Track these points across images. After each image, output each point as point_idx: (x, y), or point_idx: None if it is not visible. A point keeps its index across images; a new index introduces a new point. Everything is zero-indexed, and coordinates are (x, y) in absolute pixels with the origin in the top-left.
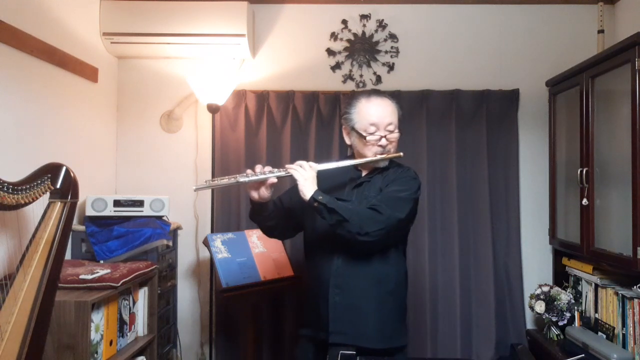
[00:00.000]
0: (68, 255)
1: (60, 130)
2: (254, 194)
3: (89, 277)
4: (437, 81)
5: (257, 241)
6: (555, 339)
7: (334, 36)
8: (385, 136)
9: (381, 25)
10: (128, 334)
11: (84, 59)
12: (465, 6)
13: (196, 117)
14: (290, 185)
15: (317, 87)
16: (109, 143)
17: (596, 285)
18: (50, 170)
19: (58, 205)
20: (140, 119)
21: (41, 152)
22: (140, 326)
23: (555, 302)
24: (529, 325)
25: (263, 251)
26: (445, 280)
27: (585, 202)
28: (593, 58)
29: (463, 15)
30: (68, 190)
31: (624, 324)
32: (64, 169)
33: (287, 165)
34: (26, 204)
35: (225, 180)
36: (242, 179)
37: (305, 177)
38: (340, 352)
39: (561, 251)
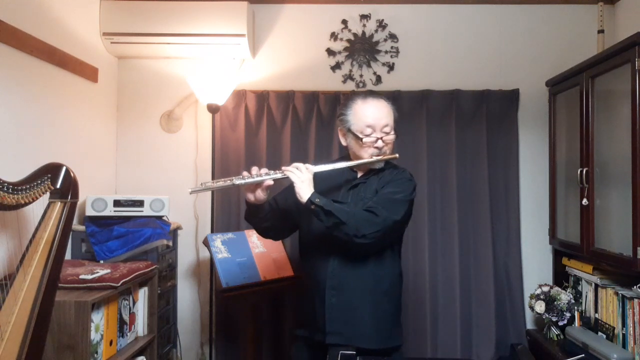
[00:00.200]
0: (68, 255)
1: (60, 130)
2: (250, 196)
3: (89, 277)
4: (437, 81)
5: (257, 241)
6: (555, 339)
7: (334, 36)
8: (381, 138)
9: (381, 25)
10: (128, 334)
11: (84, 59)
12: (465, 6)
13: (196, 117)
14: (285, 185)
15: (317, 87)
16: (109, 143)
17: (596, 285)
18: (50, 170)
19: (58, 205)
20: (140, 119)
21: (41, 152)
22: (140, 326)
23: (555, 302)
24: (529, 325)
25: (263, 251)
26: (445, 280)
27: (585, 202)
28: (593, 58)
29: (463, 15)
30: (68, 190)
31: (624, 324)
32: (64, 169)
33: (283, 167)
34: (26, 204)
35: (220, 183)
36: (238, 182)
37: (302, 179)
38: (340, 352)
39: (561, 251)
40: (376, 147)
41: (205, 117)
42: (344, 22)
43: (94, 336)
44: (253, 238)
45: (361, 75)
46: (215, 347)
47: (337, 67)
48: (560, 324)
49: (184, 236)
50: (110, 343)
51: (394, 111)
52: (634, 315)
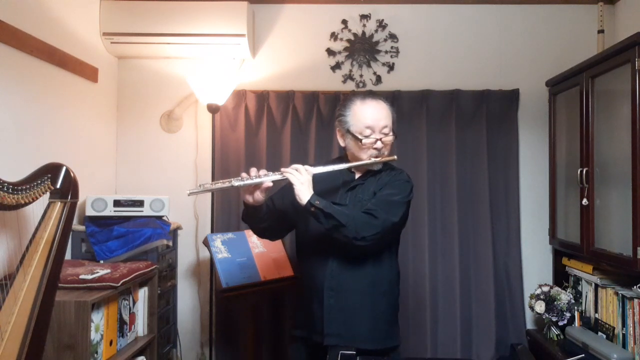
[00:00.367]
0: (68, 255)
1: (60, 130)
2: (248, 198)
3: (89, 277)
4: (437, 81)
5: (257, 241)
6: (555, 339)
7: (334, 36)
8: (380, 139)
9: (381, 25)
10: (128, 334)
11: (84, 59)
12: (465, 6)
13: (196, 117)
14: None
15: (317, 87)
16: (109, 143)
17: (596, 285)
18: (50, 170)
19: (58, 205)
20: (140, 119)
21: (41, 152)
22: (140, 326)
23: (555, 302)
24: (529, 325)
25: (263, 251)
26: (445, 280)
27: (585, 202)
28: (593, 58)
29: (463, 15)
30: (68, 190)
31: (624, 324)
32: (64, 169)
33: (282, 169)
34: (26, 204)
35: (219, 184)
36: (236, 183)
37: (302, 181)
38: (340, 352)
39: (561, 251)
40: (375, 149)
41: (205, 117)
42: (344, 22)
43: (94, 336)
44: (253, 238)
45: (361, 75)
46: (215, 347)
47: (337, 67)
48: (560, 324)
49: (184, 236)
50: (110, 343)
51: (393, 112)
52: (634, 315)
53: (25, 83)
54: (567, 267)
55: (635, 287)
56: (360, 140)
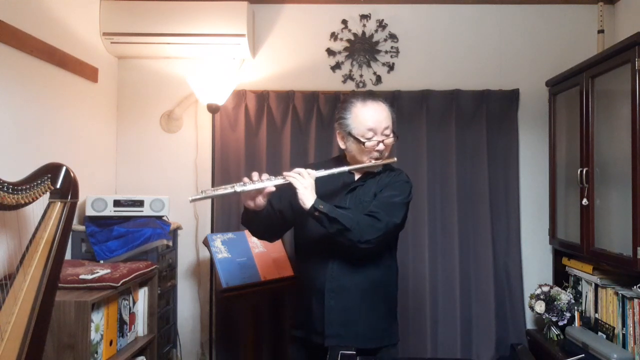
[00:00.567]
0: (68, 255)
1: (60, 130)
2: (250, 203)
3: (89, 277)
4: (437, 81)
5: (257, 241)
6: (555, 339)
7: (334, 36)
8: (382, 141)
9: (381, 25)
10: (128, 334)
11: (84, 59)
12: (465, 6)
13: (196, 117)
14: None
15: (317, 87)
16: (109, 143)
17: (596, 285)
18: (50, 170)
19: (58, 205)
20: (140, 119)
21: (41, 152)
22: (140, 326)
23: (555, 302)
24: (529, 325)
25: (263, 251)
26: (445, 280)
27: (585, 202)
28: (593, 58)
29: (463, 15)
30: (68, 190)
31: (624, 324)
32: (64, 169)
33: (285, 173)
34: (26, 204)
35: (221, 190)
36: (239, 188)
37: (305, 185)
38: (340, 352)
39: (561, 251)
40: (377, 151)
41: (205, 117)
42: (344, 22)
43: (94, 336)
44: (253, 238)
45: (361, 75)
46: (215, 347)
47: (337, 67)
48: (560, 324)
49: (184, 236)
50: (110, 343)
51: (393, 113)
52: (634, 315)
53: (25, 83)
54: (567, 267)
55: (635, 287)
56: (363, 144)
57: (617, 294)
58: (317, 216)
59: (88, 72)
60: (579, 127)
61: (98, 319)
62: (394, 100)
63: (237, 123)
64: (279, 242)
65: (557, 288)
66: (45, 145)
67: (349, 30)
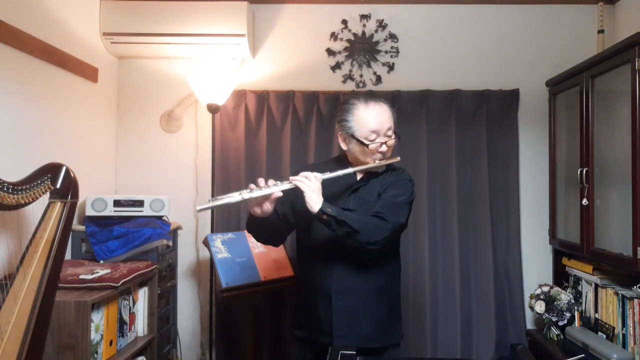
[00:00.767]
0: (68, 255)
1: (60, 130)
2: (257, 210)
3: (89, 277)
4: (437, 81)
5: (257, 241)
6: (555, 339)
7: (334, 36)
8: (385, 142)
9: (381, 25)
10: (128, 334)
11: (84, 59)
12: (465, 6)
13: (196, 117)
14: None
15: (317, 87)
16: (109, 143)
17: (596, 285)
18: (50, 170)
19: (58, 205)
20: (140, 119)
21: (41, 152)
22: (140, 326)
23: (555, 302)
24: (529, 325)
25: (263, 251)
26: (445, 280)
27: (585, 202)
28: (593, 58)
29: (463, 15)
30: (68, 190)
31: (624, 324)
32: (64, 169)
33: (291, 177)
34: (26, 204)
35: (227, 199)
36: (246, 196)
37: (312, 188)
38: (340, 352)
39: (561, 251)
40: (380, 152)
41: (205, 117)
42: (344, 22)
43: (94, 336)
44: (253, 238)
45: (361, 75)
46: (215, 347)
47: (337, 67)
48: (560, 324)
49: (184, 236)
50: (110, 343)
51: (394, 113)
52: (634, 315)
53: (25, 83)
54: (567, 267)
55: (635, 287)
56: (367, 146)
57: (617, 294)
58: (325, 219)
59: (88, 72)
60: (579, 127)
61: (98, 319)
62: (394, 100)
63: (237, 123)
64: None
65: (557, 288)
66: (45, 145)
67: (349, 30)
